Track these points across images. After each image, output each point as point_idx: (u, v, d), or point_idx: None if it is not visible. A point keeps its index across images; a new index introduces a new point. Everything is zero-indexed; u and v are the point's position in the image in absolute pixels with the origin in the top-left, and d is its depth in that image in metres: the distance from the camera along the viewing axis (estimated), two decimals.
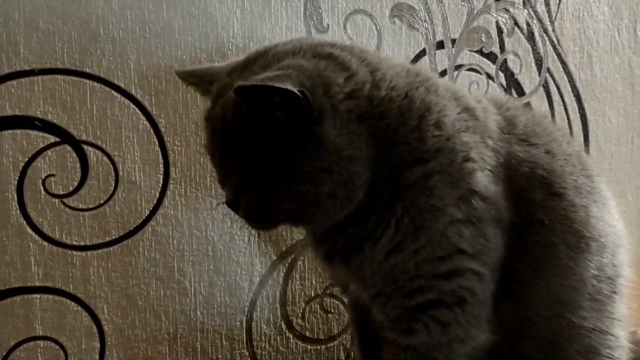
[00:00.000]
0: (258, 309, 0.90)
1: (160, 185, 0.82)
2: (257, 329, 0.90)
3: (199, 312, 0.85)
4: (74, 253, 0.77)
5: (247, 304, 0.89)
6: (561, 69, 1.19)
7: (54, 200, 0.75)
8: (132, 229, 0.80)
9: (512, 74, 1.13)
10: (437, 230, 0.59)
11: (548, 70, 1.17)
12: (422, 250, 0.60)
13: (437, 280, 0.61)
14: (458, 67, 1.07)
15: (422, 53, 1.03)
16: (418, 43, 1.02)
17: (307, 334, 0.93)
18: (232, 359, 0.89)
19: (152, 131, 0.81)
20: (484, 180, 0.61)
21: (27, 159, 0.73)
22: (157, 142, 0.81)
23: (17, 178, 0.73)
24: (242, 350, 0.89)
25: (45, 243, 0.75)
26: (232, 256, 0.87)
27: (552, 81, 1.18)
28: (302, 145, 0.56)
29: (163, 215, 0.82)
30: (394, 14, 0.99)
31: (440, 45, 1.04)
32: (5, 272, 0.73)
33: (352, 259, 0.62)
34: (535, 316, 0.64)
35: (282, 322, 0.92)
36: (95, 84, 0.77)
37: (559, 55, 1.18)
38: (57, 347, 0.76)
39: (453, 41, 1.06)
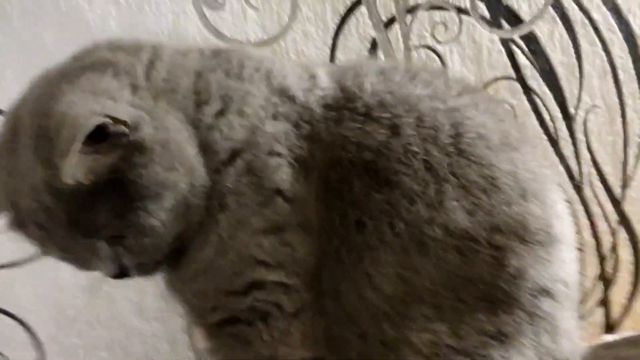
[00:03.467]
0: None
1: None
2: None
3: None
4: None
5: None
6: None
7: None
8: None
9: (498, 0, 0.89)
10: (243, 244, 0.53)
11: None
12: (224, 269, 0.53)
13: (232, 297, 0.54)
14: (412, 10, 0.87)
15: (358, 3, 0.86)
16: None
17: None
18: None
19: None
20: (290, 178, 0.52)
21: None
22: None
23: None
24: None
25: None
26: None
27: None
28: None
29: None
30: None
31: None
32: None
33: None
34: (349, 334, 0.53)
35: None
36: None
37: None
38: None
39: None
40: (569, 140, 0.92)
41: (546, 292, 0.53)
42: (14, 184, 0.50)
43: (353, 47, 0.87)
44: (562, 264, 0.55)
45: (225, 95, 0.54)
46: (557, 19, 0.90)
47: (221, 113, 0.53)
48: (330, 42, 0.86)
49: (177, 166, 0.50)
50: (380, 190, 0.52)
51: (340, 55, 0.86)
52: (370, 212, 0.52)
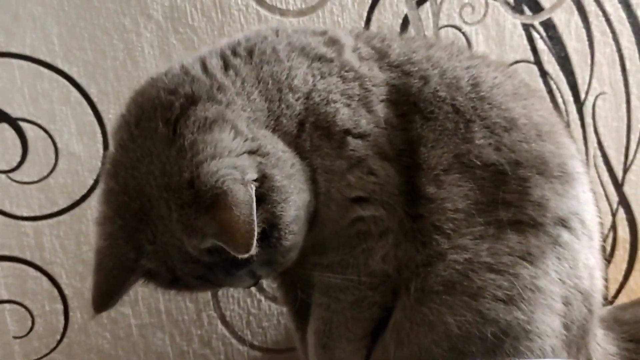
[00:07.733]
0: None
1: (101, 154, 0.83)
2: (223, 291, 0.90)
3: None
4: (26, 223, 0.83)
5: None
6: None
7: (0, 175, 0.81)
8: (78, 198, 0.83)
9: None
10: (338, 191, 0.58)
11: None
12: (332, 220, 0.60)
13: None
14: None
15: None
16: None
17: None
18: (199, 319, 0.90)
19: (84, 102, 0.82)
20: (351, 115, 0.58)
21: None
22: (91, 113, 0.82)
23: None
24: (210, 312, 0.90)
25: None
26: None
27: None
28: None
29: None
30: None
31: None
32: None
33: None
34: (412, 247, 0.60)
35: None
36: (22, 62, 0.80)
37: None
38: (23, 309, 0.84)
39: None
40: (578, 122, 0.98)
41: (564, 224, 0.60)
42: (163, 252, 0.53)
43: (386, 21, 0.90)
44: (578, 201, 0.61)
45: (276, 82, 0.58)
46: (574, 8, 0.95)
47: (280, 100, 0.57)
48: (365, 15, 0.89)
49: (302, 185, 0.55)
50: (427, 124, 0.59)
51: (374, 28, 0.89)
52: (430, 135, 0.59)
